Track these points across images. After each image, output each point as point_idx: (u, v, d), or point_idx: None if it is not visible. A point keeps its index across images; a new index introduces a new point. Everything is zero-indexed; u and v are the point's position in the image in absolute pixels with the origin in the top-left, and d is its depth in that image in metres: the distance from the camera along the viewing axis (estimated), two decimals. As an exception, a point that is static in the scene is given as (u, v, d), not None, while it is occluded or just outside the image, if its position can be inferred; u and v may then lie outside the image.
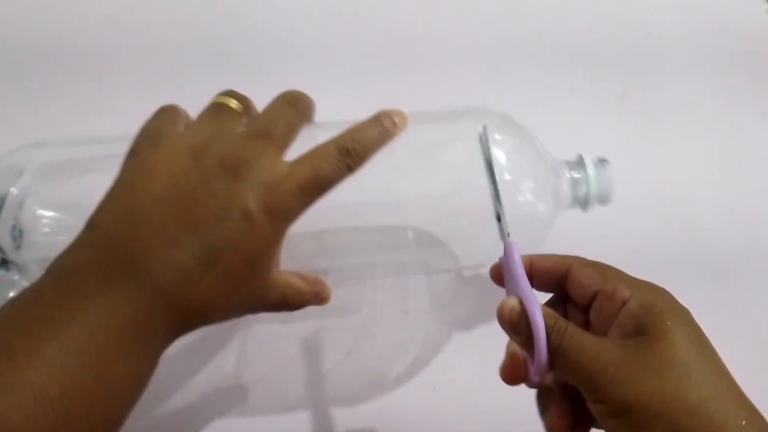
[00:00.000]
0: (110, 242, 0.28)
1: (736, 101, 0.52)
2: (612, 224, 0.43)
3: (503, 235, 0.31)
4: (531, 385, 0.31)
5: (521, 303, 0.28)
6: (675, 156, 0.50)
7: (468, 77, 0.51)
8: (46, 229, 0.35)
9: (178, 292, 0.27)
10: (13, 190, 0.35)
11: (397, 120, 0.32)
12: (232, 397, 0.42)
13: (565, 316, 0.31)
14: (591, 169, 0.37)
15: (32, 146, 0.37)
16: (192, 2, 0.52)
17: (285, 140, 0.31)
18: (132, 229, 0.28)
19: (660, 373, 0.25)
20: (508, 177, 0.35)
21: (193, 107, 0.33)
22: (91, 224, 0.28)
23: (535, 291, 0.29)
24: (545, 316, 0.28)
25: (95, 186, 0.30)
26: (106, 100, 0.48)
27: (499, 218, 0.32)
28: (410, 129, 0.34)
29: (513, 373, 0.31)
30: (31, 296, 0.26)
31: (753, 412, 0.26)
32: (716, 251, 0.47)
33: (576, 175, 0.37)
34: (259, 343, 0.43)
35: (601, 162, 0.37)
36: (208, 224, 0.28)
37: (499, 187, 0.32)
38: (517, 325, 0.28)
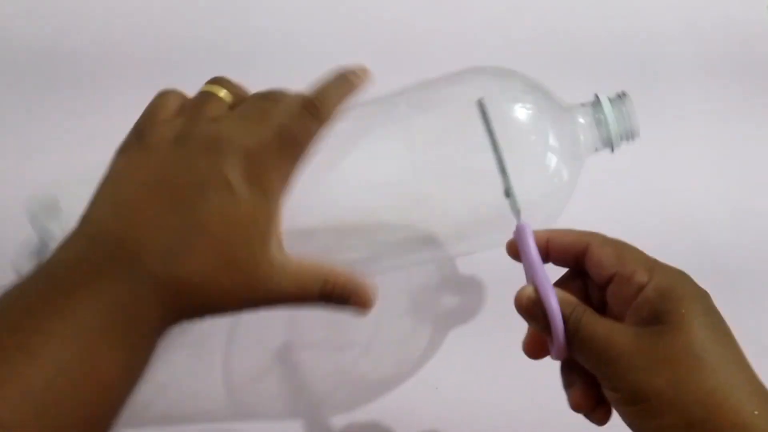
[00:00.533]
0: (99, 234, 0.27)
1: (737, 101, 0.52)
2: (612, 225, 0.43)
3: (515, 212, 0.31)
4: (555, 358, 0.31)
5: (537, 291, 0.29)
6: (675, 156, 0.50)
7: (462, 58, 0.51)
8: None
9: (166, 271, 0.27)
10: (58, 231, 0.34)
11: (360, 74, 0.32)
12: (231, 398, 0.41)
13: (585, 290, 0.31)
14: (608, 108, 0.35)
15: (71, 183, 0.37)
16: (195, 6, 0.52)
17: (260, 116, 0.30)
18: (120, 219, 0.27)
19: (673, 364, 0.26)
20: (529, 135, 0.34)
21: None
22: (82, 219, 0.28)
23: (549, 271, 0.29)
24: (561, 303, 0.28)
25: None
26: (109, 105, 0.48)
27: (507, 193, 0.31)
28: (418, 99, 0.34)
29: (535, 347, 0.31)
30: (17, 291, 0.25)
31: (767, 401, 0.26)
32: (716, 252, 0.47)
33: (596, 116, 0.36)
34: (259, 343, 0.42)
35: (619, 97, 0.36)
36: (191, 200, 0.28)
37: (506, 159, 0.31)
38: (533, 313, 0.29)
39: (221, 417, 0.41)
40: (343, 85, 0.32)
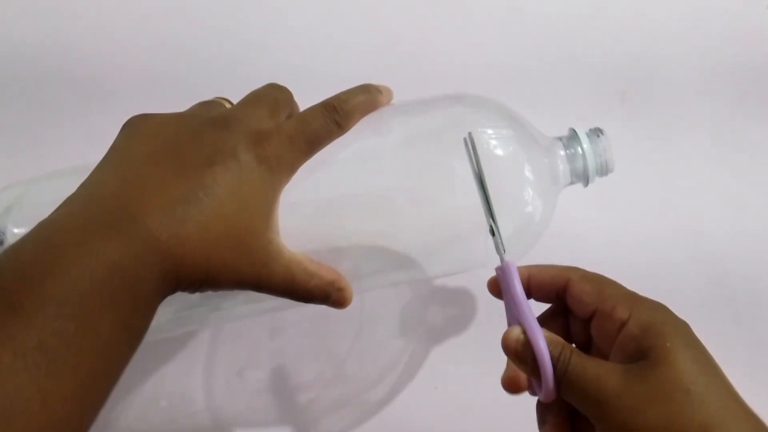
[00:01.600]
0: (97, 196, 0.27)
1: (737, 101, 0.52)
2: (613, 226, 0.43)
3: (498, 251, 0.31)
4: (533, 394, 0.31)
5: (524, 332, 0.28)
6: (675, 157, 0.50)
7: (466, 77, 0.51)
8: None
9: (166, 233, 0.26)
10: (16, 231, 0.33)
11: (383, 90, 0.34)
12: (230, 398, 0.41)
13: (567, 326, 0.32)
14: (585, 142, 0.35)
15: (26, 183, 0.37)
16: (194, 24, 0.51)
17: (274, 104, 0.31)
18: (120, 181, 0.27)
19: (662, 400, 0.25)
20: (505, 166, 0.34)
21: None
22: (81, 185, 0.28)
23: (534, 311, 0.29)
24: (550, 345, 0.28)
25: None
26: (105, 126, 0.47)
27: (492, 232, 0.31)
28: (397, 121, 0.34)
29: (514, 384, 0.31)
30: (10, 253, 0.25)
31: (759, 427, 0.26)
32: (716, 252, 0.47)
33: (571, 151, 0.36)
34: (260, 343, 0.42)
35: (595, 132, 0.36)
36: (198, 168, 0.28)
37: (491, 199, 0.31)
38: (522, 355, 0.28)
39: (217, 420, 0.41)
40: (367, 97, 0.33)
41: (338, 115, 0.31)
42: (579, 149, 0.35)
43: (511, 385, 0.31)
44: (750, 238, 0.48)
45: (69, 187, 0.28)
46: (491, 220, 0.31)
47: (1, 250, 0.33)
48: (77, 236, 0.25)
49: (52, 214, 0.26)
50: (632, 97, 0.51)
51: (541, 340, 0.28)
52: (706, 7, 0.55)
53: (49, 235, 0.25)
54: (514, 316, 0.30)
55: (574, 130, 0.36)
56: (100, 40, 0.49)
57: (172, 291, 0.27)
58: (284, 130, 0.29)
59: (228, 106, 0.33)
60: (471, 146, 0.31)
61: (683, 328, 0.28)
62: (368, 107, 0.33)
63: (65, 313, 0.23)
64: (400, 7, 0.53)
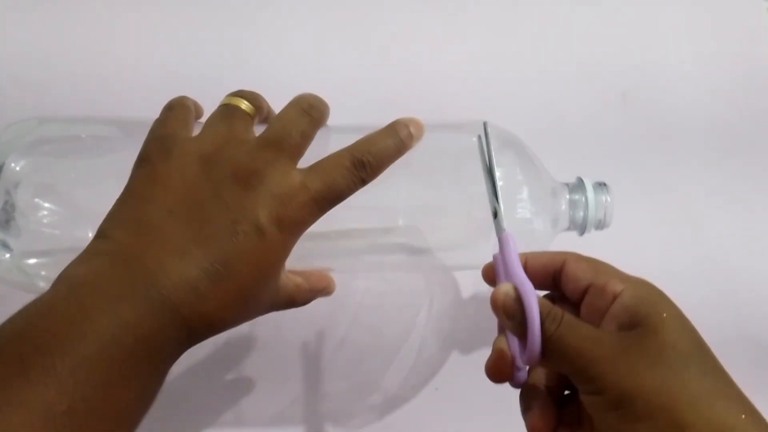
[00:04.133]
0: (122, 256, 0.27)
1: (736, 101, 0.52)
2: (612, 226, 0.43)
3: (499, 229, 0.31)
4: (515, 384, 0.30)
5: (516, 289, 0.28)
6: (676, 157, 0.50)
7: (468, 76, 0.51)
8: (43, 221, 0.34)
9: (189, 308, 0.27)
10: (12, 165, 0.34)
11: (413, 131, 0.32)
12: (230, 398, 0.41)
13: None
14: (590, 193, 0.36)
15: (31, 121, 0.37)
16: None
17: (298, 150, 0.30)
18: (144, 243, 0.27)
19: (661, 365, 0.25)
20: (509, 194, 0.34)
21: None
22: (103, 234, 0.28)
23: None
24: (540, 304, 0.27)
25: (95, 173, 0.30)
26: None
27: (495, 215, 0.31)
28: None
29: (499, 370, 0.30)
30: (42, 308, 0.25)
31: (750, 407, 0.26)
32: (718, 252, 0.48)
33: (575, 197, 0.37)
34: (260, 343, 0.42)
35: (600, 186, 0.37)
36: (219, 238, 0.28)
37: (499, 184, 0.32)
38: (511, 309, 0.27)
39: (218, 418, 0.41)
40: (397, 145, 0.31)
41: (365, 172, 0.30)
42: (583, 198, 0.36)
43: (495, 371, 0.30)
44: (747, 230, 0.49)
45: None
46: (495, 201, 0.31)
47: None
48: (107, 303, 0.25)
49: (78, 265, 0.27)
50: (632, 98, 0.52)
51: (533, 294, 0.27)
52: (707, 8, 0.55)
53: (80, 297, 0.25)
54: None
55: (582, 180, 0.37)
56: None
57: (183, 352, 0.28)
58: (309, 189, 0.29)
59: (245, 106, 0.32)
60: (485, 135, 0.32)
61: (675, 306, 0.28)
62: (397, 156, 0.31)
63: (94, 379, 0.23)
64: (396, 9, 0.53)
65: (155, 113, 0.33)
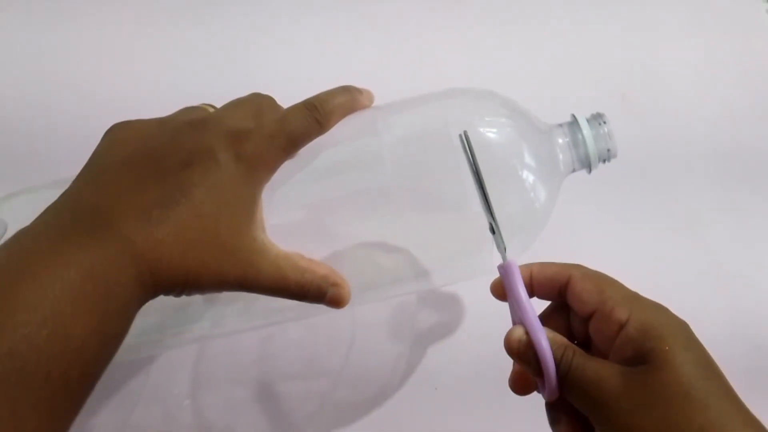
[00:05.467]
0: (71, 202, 0.27)
1: (736, 101, 0.52)
2: (613, 225, 0.43)
3: (499, 248, 0.30)
4: (546, 397, 0.31)
5: (527, 333, 0.28)
6: (675, 157, 0.50)
7: (468, 77, 0.50)
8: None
9: (141, 236, 0.25)
10: None
11: (363, 92, 0.34)
12: (230, 398, 0.41)
13: (568, 323, 0.31)
14: (586, 128, 0.35)
15: (19, 193, 0.36)
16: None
17: (257, 108, 0.31)
18: (95, 188, 0.27)
19: (661, 403, 0.25)
20: (505, 155, 0.33)
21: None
22: (62, 194, 0.28)
23: (536, 308, 0.29)
24: (552, 345, 0.28)
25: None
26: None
27: (492, 230, 0.30)
28: (394, 119, 0.34)
29: (523, 384, 0.31)
30: None
31: (759, 430, 0.25)
32: (716, 246, 0.47)
33: (571, 137, 0.35)
34: (261, 343, 0.42)
35: (596, 117, 0.35)
36: (174, 170, 0.27)
37: (490, 196, 0.30)
38: (525, 356, 0.28)
39: (217, 419, 0.41)
40: (347, 97, 0.33)
41: (319, 113, 0.31)
42: (579, 136, 0.35)
43: (519, 387, 0.31)
44: (745, 227, 0.49)
45: (53, 197, 0.28)
46: (491, 218, 0.30)
47: None
48: (50, 244, 0.24)
49: (30, 223, 0.26)
50: (632, 97, 0.51)
51: (544, 341, 0.28)
52: (707, 9, 0.55)
53: (21, 243, 0.25)
54: (518, 315, 0.29)
55: (575, 117, 0.35)
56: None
57: (152, 295, 0.27)
58: (264, 128, 0.29)
59: (211, 111, 0.32)
60: (467, 144, 0.30)
61: (683, 329, 0.28)
62: (349, 107, 0.33)
63: (36, 319, 0.22)
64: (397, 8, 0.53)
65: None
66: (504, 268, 0.30)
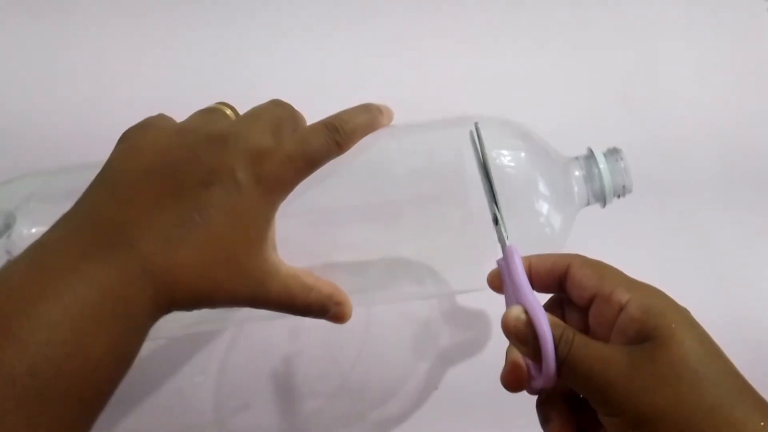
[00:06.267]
0: (90, 216, 0.27)
1: (736, 101, 0.52)
2: (614, 224, 0.43)
3: (501, 239, 0.30)
4: (531, 392, 0.30)
5: (526, 312, 0.27)
6: (675, 156, 0.50)
7: (469, 77, 0.50)
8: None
9: (161, 257, 0.26)
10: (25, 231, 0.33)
11: (384, 110, 0.34)
12: (231, 398, 0.41)
13: (563, 318, 0.31)
14: (602, 163, 0.35)
15: (28, 176, 0.36)
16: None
17: (276, 121, 0.31)
18: (115, 203, 0.27)
19: (673, 381, 0.24)
20: (520, 183, 0.34)
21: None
22: (76, 203, 0.28)
23: (536, 294, 0.29)
24: (552, 326, 0.26)
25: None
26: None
27: (496, 221, 0.30)
28: (406, 140, 0.34)
29: (514, 380, 0.29)
30: (3, 274, 0.24)
31: (767, 410, 0.25)
32: (716, 247, 0.47)
33: (587, 171, 0.36)
34: (261, 343, 0.42)
35: (612, 152, 0.36)
36: (193, 189, 0.27)
37: (496, 187, 0.31)
38: (523, 335, 0.27)
39: (217, 419, 0.41)
40: (368, 117, 0.32)
41: (339, 135, 0.30)
42: (595, 170, 0.35)
43: (511, 381, 0.29)
44: (744, 224, 0.48)
45: (86, 181, 0.29)
46: (495, 208, 0.30)
47: (7, 241, 0.32)
48: (71, 261, 0.24)
49: (46, 234, 0.26)
50: (632, 97, 0.51)
51: (544, 318, 0.27)
52: (707, 8, 0.55)
53: (42, 259, 0.25)
54: (515, 301, 0.29)
55: (592, 150, 0.36)
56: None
57: (165, 313, 0.27)
58: (284, 148, 0.29)
59: (229, 113, 0.32)
60: (476, 136, 0.31)
61: (684, 311, 0.27)
62: (369, 127, 0.33)
63: (57, 339, 0.23)
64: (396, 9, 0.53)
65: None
66: (505, 253, 0.30)
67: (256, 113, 0.31)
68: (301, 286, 0.30)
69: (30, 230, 0.33)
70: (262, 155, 0.28)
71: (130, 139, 0.30)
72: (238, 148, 0.28)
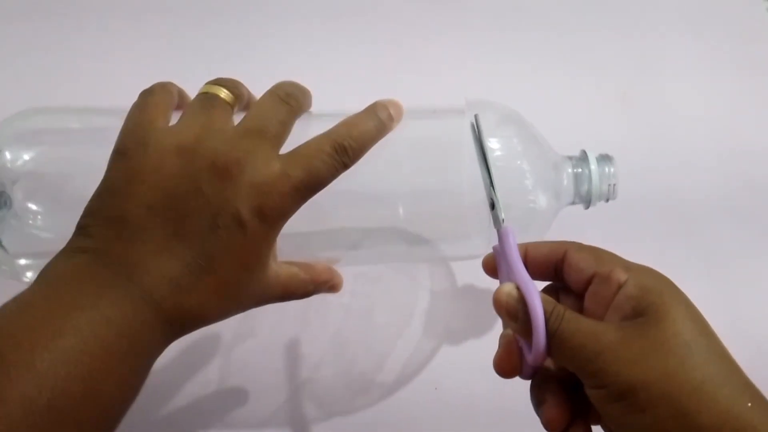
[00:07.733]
0: (102, 253, 0.27)
1: (736, 101, 0.52)
2: (614, 224, 0.43)
3: (497, 222, 0.30)
4: (525, 376, 0.30)
5: (518, 288, 0.27)
6: (676, 156, 0.50)
7: (470, 77, 0.51)
8: (37, 223, 0.34)
9: (172, 303, 0.27)
10: (9, 157, 0.34)
11: (392, 111, 0.32)
12: (229, 397, 0.41)
13: None
14: (594, 165, 0.36)
15: (27, 112, 0.36)
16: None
17: (278, 138, 0.30)
18: (124, 241, 0.27)
19: (662, 353, 0.24)
20: (508, 168, 0.34)
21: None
22: (83, 231, 0.28)
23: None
24: (543, 302, 0.26)
25: (91, 174, 0.29)
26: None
27: (493, 205, 0.31)
28: (407, 124, 0.33)
29: (507, 364, 0.29)
30: (21, 305, 0.25)
31: (758, 395, 0.25)
32: (718, 249, 0.47)
33: (578, 171, 0.37)
34: (262, 343, 0.42)
35: (604, 158, 0.37)
36: (200, 232, 0.28)
37: (493, 172, 0.31)
38: (514, 310, 0.27)
39: (213, 419, 0.41)
40: (377, 126, 0.31)
41: (348, 157, 0.30)
42: (585, 171, 0.36)
43: (504, 365, 0.29)
44: (745, 227, 0.48)
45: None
46: (492, 193, 0.31)
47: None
48: (88, 299, 0.25)
49: (58, 263, 0.27)
50: (632, 96, 0.51)
51: (535, 293, 0.27)
52: (707, 8, 0.55)
53: (60, 293, 0.26)
54: (508, 280, 0.29)
55: (585, 152, 0.37)
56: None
57: (171, 342, 0.29)
58: (290, 178, 0.28)
59: (225, 95, 0.31)
60: (476, 125, 0.33)
61: (682, 293, 0.27)
62: (379, 137, 0.31)
63: (75, 374, 0.24)
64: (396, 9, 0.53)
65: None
66: (500, 233, 0.30)
67: (260, 127, 0.30)
68: (300, 282, 0.32)
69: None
70: (267, 188, 0.28)
71: (129, 157, 0.29)
72: (242, 183, 0.28)
